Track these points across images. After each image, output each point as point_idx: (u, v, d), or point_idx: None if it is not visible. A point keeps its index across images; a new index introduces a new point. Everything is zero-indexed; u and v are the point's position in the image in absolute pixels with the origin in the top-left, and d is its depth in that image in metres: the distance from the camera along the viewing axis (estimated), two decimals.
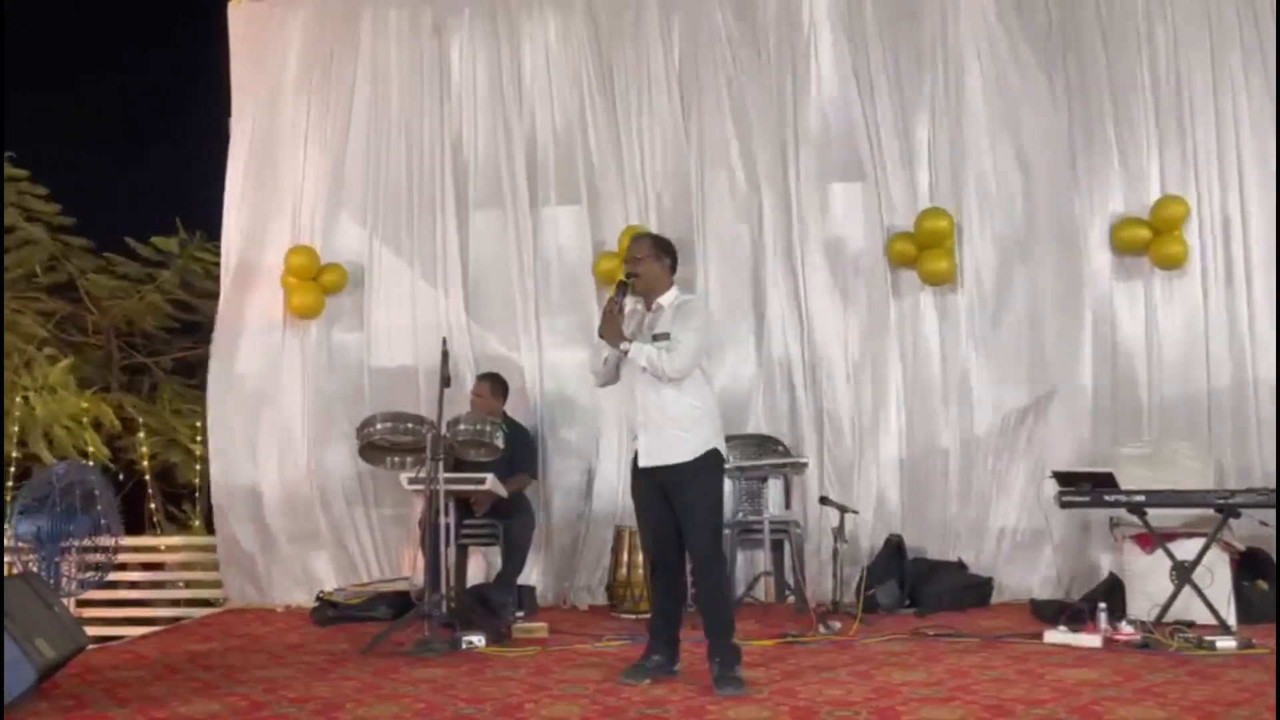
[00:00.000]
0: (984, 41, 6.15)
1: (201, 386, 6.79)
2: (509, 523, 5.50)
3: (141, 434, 7.86)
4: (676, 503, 3.92)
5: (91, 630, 5.05)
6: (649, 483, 3.96)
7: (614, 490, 6.08)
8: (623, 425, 6.14)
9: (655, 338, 3.93)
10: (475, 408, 5.65)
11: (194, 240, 8.37)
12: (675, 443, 3.91)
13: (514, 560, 5.45)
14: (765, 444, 5.98)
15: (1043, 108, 6.06)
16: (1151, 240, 5.89)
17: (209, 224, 7.69)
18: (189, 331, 8.72)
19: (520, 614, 5.32)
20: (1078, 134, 6.06)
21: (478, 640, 4.63)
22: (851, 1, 6.26)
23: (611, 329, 3.95)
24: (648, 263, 4.03)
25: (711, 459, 3.93)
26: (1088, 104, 6.06)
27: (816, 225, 6.21)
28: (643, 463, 3.94)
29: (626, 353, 3.93)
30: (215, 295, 6.74)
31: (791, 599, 5.64)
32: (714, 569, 3.95)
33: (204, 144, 6.89)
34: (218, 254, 6.81)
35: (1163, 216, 5.85)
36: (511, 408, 5.96)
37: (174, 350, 8.75)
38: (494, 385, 5.80)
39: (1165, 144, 6.00)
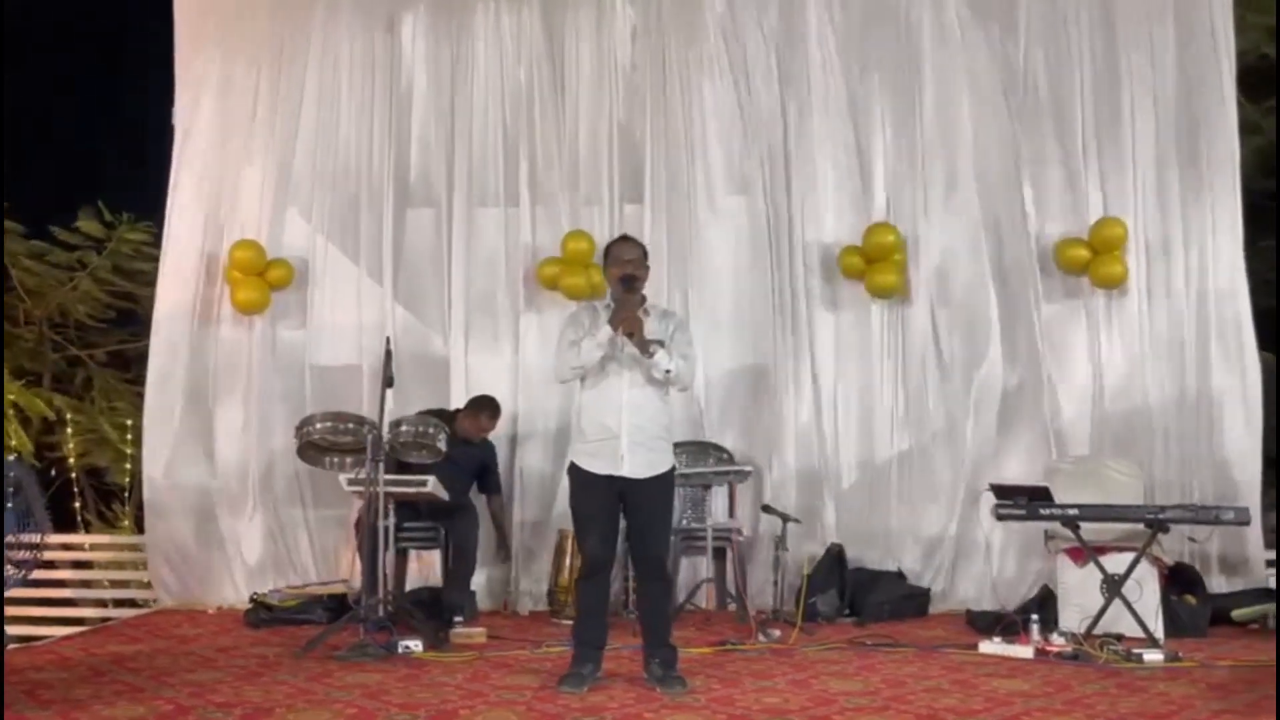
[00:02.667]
0: (941, 57, 6.25)
1: (138, 381, 6.62)
2: (452, 523, 5.44)
3: (70, 430, 7.63)
4: (643, 511, 3.95)
5: (17, 630, 4.90)
6: (608, 488, 3.93)
7: (547, 494, 6.06)
8: (550, 427, 6.13)
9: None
10: (479, 435, 5.64)
11: (121, 222, 8.12)
12: (659, 453, 3.97)
13: (464, 560, 5.39)
14: (709, 451, 5.99)
15: (995, 127, 6.20)
16: (1091, 260, 6.03)
17: (141, 209, 7.50)
18: (125, 323, 8.47)
19: (459, 619, 5.26)
20: (1025, 152, 6.19)
21: (414, 645, 4.57)
22: (801, 8, 6.31)
23: (639, 327, 3.87)
24: (644, 267, 4.03)
25: (675, 469, 4.08)
26: (1038, 124, 6.20)
27: (761, 234, 6.25)
28: (627, 472, 3.89)
29: (653, 354, 3.85)
30: (149, 279, 6.54)
31: (733, 607, 5.65)
32: (667, 575, 4.13)
33: (144, 131, 6.73)
34: (148, 234, 6.62)
35: (1102, 237, 5.99)
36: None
37: (110, 342, 8.51)
38: (493, 411, 5.75)
39: (1106, 165, 6.15)
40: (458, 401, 6.00)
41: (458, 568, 5.40)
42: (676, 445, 5.88)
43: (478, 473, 5.73)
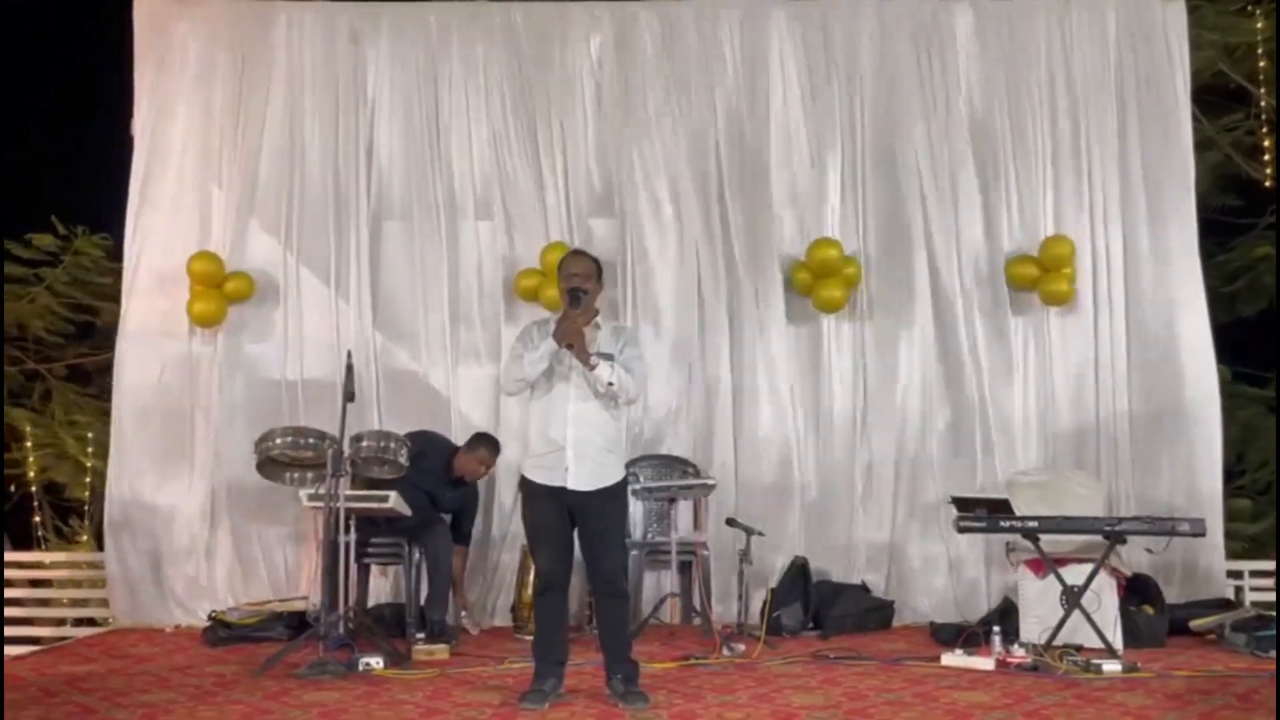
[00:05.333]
0: (896, 73, 6.31)
1: (98, 395, 6.51)
2: (425, 540, 5.36)
3: (29, 444, 7.49)
4: (593, 524, 3.93)
5: None
6: (557, 503, 3.93)
7: (510, 508, 6.02)
8: (518, 443, 6.09)
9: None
10: (478, 473, 5.61)
11: (77, 235, 7.97)
12: (606, 466, 3.95)
13: (441, 575, 5.33)
14: (675, 465, 5.99)
15: (948, 142, 6.27)
16: (1040, 277, 6.11)
17: (101, 223, 7.39)
18: (84, 335, 8.34)
19: (421, 635, 5.21)
20: (976, 171, 6.26)
21: (375, 662, 4.52)
22: (765, 32, 6.33)
23: (580, 339, 3.86)
24: (592, 281, 4.01)
25: (625, 483, 4.06)
26: (990, 140, 6.28)
27: (731, 251, 6.27)
28: (571, 484, 3.88)
29: (594, 367, 3.85)
30: (109, 292, 6.43)
31: (698, 621, 5.65)
32: (625, 590, 4.06)
33: (103, 143, 6.62)
34: (103, 248, 6.49)
35: (1050, 255, 6.09)
36: (430, 425, 5.88)
37: (68, 356, 8.38)
38: (491, 448, 5.67)
39: (1060, 182, 6.25)
40: (445, 423, 6.01)
41: (436, 585, 5.33)
42: (642, 459, 5.94)
43: (454, 514, 5.65)
